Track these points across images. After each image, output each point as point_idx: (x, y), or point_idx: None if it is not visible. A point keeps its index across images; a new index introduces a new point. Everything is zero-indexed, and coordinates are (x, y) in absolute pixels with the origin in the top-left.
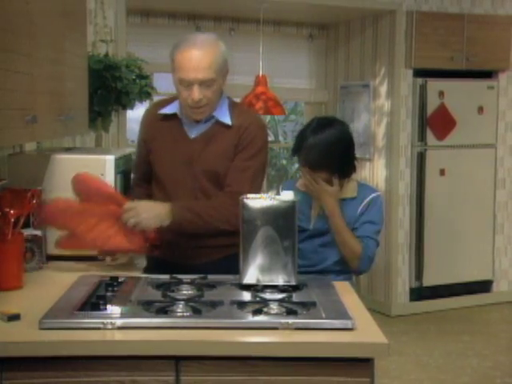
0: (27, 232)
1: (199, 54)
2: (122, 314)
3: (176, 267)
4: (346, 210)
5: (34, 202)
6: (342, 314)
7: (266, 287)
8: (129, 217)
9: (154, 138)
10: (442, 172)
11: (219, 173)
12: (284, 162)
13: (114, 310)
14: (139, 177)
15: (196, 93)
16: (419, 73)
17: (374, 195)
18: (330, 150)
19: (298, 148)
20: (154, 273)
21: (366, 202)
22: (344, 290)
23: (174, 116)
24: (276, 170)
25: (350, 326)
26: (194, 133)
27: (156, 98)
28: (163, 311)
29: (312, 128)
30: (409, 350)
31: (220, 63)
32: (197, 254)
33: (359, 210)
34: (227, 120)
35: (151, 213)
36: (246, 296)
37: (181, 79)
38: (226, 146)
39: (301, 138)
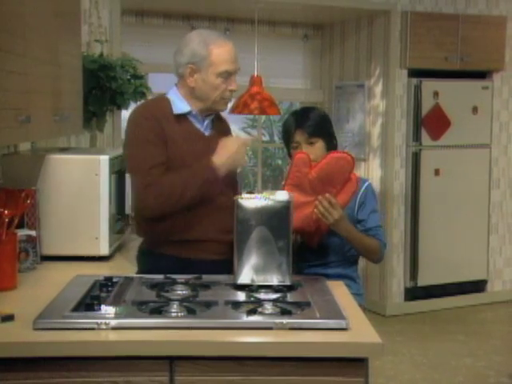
0: (21, 232)
1: (233, 46)
2: (116, 314)
3: (177, 262)
4: None
5: (28, 202)
6: (337, 313)
7: (260, 287)
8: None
9: (170, 140)
10: (437, 172)
11: (232, 171)
12: (279, 162)
13: (108, 310)
14: (162, 165)
15: (235, 83)
16: (414, 73)
17: (367, 184)
18: (322, 118)
19: (290, 128)
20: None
21: (362, 191)
22: (338, 289)
23: (181, 116)
24: (271, 170)
25: (344, 326)
26: (207, 130)
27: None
28: (157, 311)
29: (297, 110)
30: (403, 349)
31: None
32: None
33: (358, 199)
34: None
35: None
36: (241, 296)
37: (223, 72)
38: None
39: (288, 121)
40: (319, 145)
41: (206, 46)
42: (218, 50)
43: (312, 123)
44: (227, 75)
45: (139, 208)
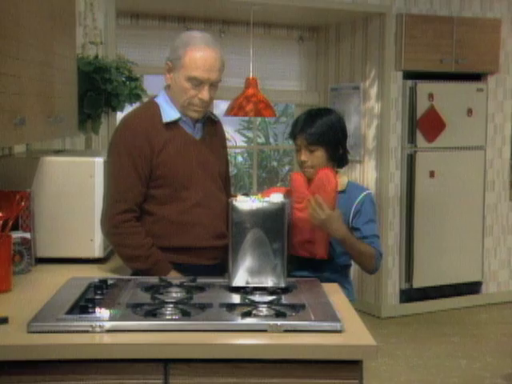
0: (16, 234)
1: (214, 55)
2: (110, 316)
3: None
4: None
5: (23, 204)
6: (331, 316)
7: (255, 289)
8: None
9: (161, 150)
10: (432, 174)
11: (224, 174)
12: (275, 163)
13: (102, 312)
14: (135, 202)
15: (207, 93)
16: (409, 75)
17: (366, 193)
18: (329, 126)
19: (296, 128)
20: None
21: (359, 199)
22: (333, 292)
23: (171, 122)
24: (267, 172)
25: (338, 329)
26: (197, 134)
27: (144, 101)
28: (152, 314)
29: (310, 111)
30: (399, 351)
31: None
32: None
33: (353, 207)
34: (214, 116)
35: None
36: (236, 298)
37: (192, 77)
38: (222, 145)
39: (298, 120)
40: (319, 153)
41: (185, 47)
42: (194, 53)
43: (314, 131)
44: (197, 82)
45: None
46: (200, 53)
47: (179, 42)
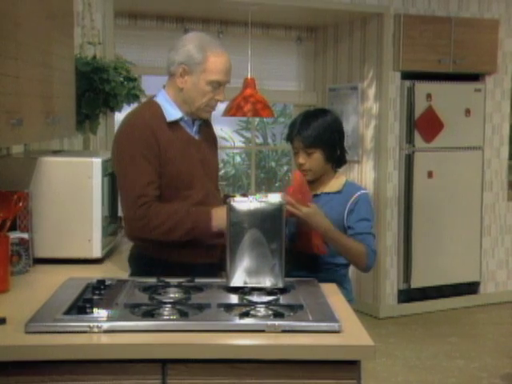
0: (14, 235)
1: (229, 58)
2: (108, 317)
3: (173, 267)
4: (330, 204)
5: (21, 204)
6: (329, 316)
7: (253, 290)
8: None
9: (166, 149)
10: (430, 174)
11: (217, 172)
12: (273, 164)
13: (100, 313)
14: (154, 195)
15: (223, 94)
16: (407, 75)
17: (360, 193)
18: (325, 128)
19: (292, 132)
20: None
21: (353, 199)
22: (331, 292)
23: (173, 122)
24: (265, 173)
25: (336, 329)
26: (196, 134)
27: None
28: (150, 314)
29: (306, 113)
30: (397, 351)
31: None
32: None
33: (347, 206)
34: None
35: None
36: (233, 299)
37: (214, 81)
38: (215, 145)
39: (294, 123)
40: (316, 156)
41: (204, 52)
42: (215, 58)
43: (310, 133)
44: (217, 85)
45: (125, 226)
46: (220, 57)
47: (194, 47)
